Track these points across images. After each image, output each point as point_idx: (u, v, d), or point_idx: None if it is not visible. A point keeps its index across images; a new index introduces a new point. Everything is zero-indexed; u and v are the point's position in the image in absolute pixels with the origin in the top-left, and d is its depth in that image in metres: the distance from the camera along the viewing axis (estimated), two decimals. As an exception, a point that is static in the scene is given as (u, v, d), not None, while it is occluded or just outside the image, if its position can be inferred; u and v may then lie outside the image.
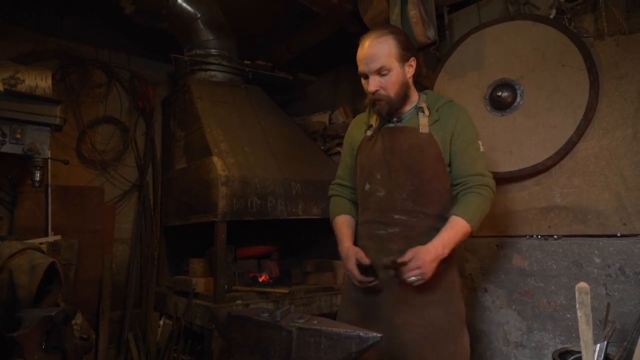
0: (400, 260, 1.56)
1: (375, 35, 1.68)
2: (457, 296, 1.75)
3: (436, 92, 2.72)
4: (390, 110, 1.72)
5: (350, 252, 1.71)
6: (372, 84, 1.67)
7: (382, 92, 1.68)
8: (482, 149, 1.72)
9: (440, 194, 1.71)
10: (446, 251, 1.58)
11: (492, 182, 1.69)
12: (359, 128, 1.90)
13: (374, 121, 1.82)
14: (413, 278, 1.54)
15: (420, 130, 1.70)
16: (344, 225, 1.87)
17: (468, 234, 1.64)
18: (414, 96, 1.77)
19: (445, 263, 1.65)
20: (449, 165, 1.73)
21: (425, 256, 1.53)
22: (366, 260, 1.66)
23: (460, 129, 1.70)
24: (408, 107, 1.76)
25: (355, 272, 1.67)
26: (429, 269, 1.54)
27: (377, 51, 1.65)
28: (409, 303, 1.67)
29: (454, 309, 1.71)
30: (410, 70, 1.72)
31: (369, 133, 1.82)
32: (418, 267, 1.53)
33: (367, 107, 1.80)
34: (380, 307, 1.73)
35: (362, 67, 1.69)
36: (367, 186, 1.78)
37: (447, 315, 1.68)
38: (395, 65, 1.66)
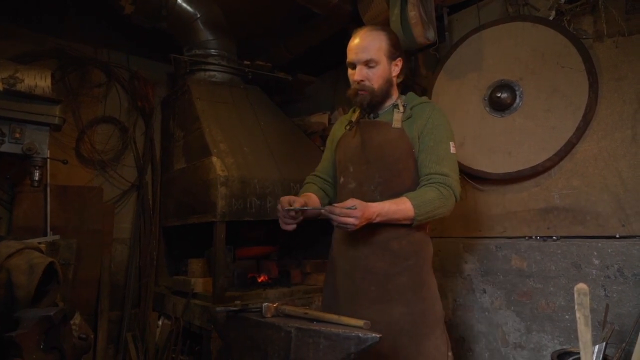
0: (340, 205, 1.51)
1: (368, 29, 1.77)
2: (428, 296, 1.70)
3: (436, 93, 2.76)
4: (371, 102, 1.76)
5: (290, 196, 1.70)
6: (359, 74, 1.73)
7: (366, 83, 1.73)
8: (453, 150, 1.70)
9: (409, 188, 1.69)
10: (378, 219, 1.56)
11: (455, 185, 1.66)
12: (341, 125, 1.97)
13: (354, 118, 1.88)
14: (342, 225, 1.50)
15: (392, 125, 1.74)
16: (302, 194, 1.90)
17: (408, 220, 1.60)
18: (395, 95, 1.82)
19: (409, 260, 1.66)
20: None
21: (365, 213, 1.50)
22: (297, 205, 1.64)
23: (431, 127, 1.70)
24: (387, 104, 1.81)
25: (284, 203, 1.63)
26: (359, 224, 1.50)
27: (368, 43, 1.72)
28: (369, 297, 1.67)
29: (420, 309, 1.65)
30: (395, 69, 1.78)
31: (348, 128, 1.87)
32: (354, 218, 1.48)
33: (350, 98, 1.80)
34: (340, 296, 1.75)
35: (351, 57, 1.75)
36: (342, 179, 1.84)
37: (410, 314, 1.64)
38: (383, 60, 1.73)
